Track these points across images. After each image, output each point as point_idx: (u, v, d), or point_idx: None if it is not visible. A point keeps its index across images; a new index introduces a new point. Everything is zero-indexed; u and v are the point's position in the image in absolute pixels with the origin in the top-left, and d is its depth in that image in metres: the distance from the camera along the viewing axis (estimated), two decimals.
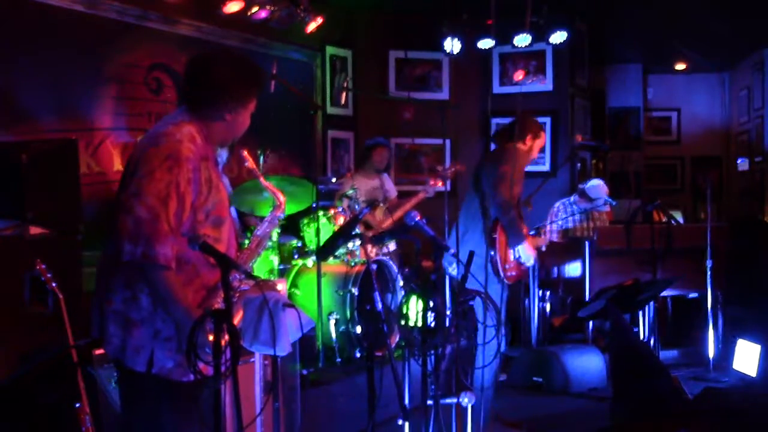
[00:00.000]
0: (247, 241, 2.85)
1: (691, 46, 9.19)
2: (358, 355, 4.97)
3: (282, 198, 2.95)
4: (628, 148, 10.35)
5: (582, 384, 5.65)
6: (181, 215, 2.32)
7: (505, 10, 6.55)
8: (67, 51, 5.00)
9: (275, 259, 5.03)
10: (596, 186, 6.64)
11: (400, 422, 3.29)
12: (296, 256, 5.36)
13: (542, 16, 7.08)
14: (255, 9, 5.92)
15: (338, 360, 4.89)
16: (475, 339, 4.25)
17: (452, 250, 3.37)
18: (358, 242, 5.11)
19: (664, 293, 5.83)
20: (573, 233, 6.71)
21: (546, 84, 8.12)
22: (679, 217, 8.24)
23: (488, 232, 4.55)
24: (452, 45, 7.22)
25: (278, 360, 3.52)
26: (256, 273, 4.42)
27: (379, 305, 3.50)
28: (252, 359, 3.56)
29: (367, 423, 3.23)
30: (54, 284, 3.39)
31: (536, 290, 6.38)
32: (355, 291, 4.91)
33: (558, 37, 7.17)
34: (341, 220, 5.28)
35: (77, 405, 3.34)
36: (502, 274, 4.51)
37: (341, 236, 3.85)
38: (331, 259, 5.22)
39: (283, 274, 5.13)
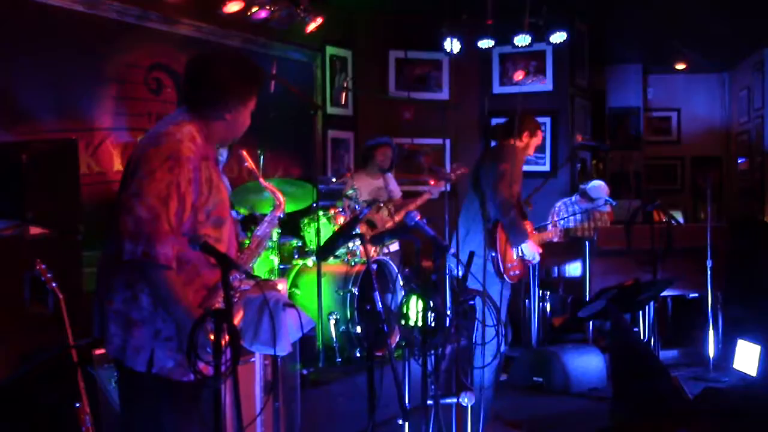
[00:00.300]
0: (247, 242, 2.85)
1: (691, 46, 9.19)
2: (358, 355, 4.97)
3: (282, 198, 2.95)
4: (628, 148, 10.35)
5: (582, 384, 5.65)
6: (181, 215, 2.32)
7: (505, 10, 6.57)
8: (67, 51, 5.00)
9: (275, 259, 5.03)
10: (597, 186, 6.64)
11: (400, 422, 3.28)
12: (296, 256, 5.36)
13: (542, 17, 7.08)
14: (255, 9, 5.92)
15: (338, 360, 4.89)
16: (475, 339, 4.25)
17: (452, 250, 3.36)
18: (358, 242, 5.11)
19: (664, 293, 5.83)
20: (574, 233, 6.71)
21: (546, 84, 8.12)
22: (679, 217, 8.23)
23: (489, 232, 4.55)
24: (452, 45, 7.22)
25: (278, 360, 3.52)
26: (256, 273, 4.42)
27: (379, 305, 3.50)
28: (252, 359, 3.56)
29: (367, 423, 3.23)
30: (54, 284, 3.39)
31: (536, 290, 6.38)
32: (355, 291, 4.91)
33: (558, 37, 7.17)
34: (341, 220, 5.28)
35: (77, 405, 3.34)
36: (504, 275, 4.51)
37: (341, 236, 3.85)
38: (331, 258, 5.22)
39: (283, 273, 5.13)
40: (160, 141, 2.37)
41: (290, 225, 5.51)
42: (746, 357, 5.62)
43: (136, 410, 2.43)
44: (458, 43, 7.20)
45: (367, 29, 7.78)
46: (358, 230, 4.65)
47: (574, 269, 6.46)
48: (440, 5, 7.00)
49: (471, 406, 3.48)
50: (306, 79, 7.11)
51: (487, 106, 8.27)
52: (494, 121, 8.20)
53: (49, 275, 3.39)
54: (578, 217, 6.73)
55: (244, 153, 3.03)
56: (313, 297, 4.82)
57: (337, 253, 5.23)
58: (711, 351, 5.93)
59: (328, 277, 4.99)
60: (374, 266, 5.20)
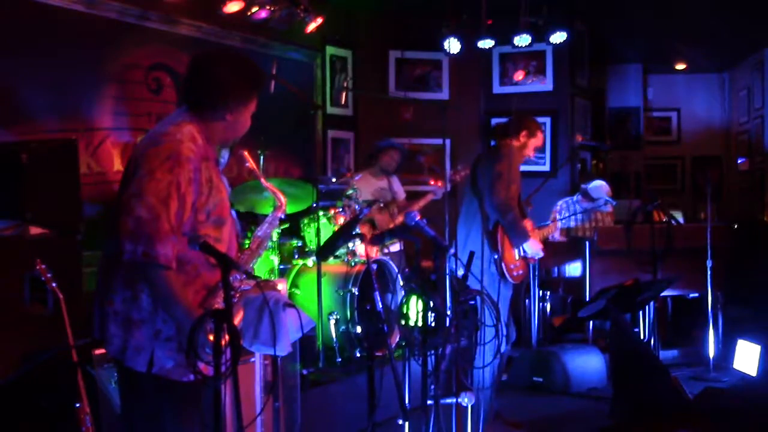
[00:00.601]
0: (247, 242, 2.85)
1: (691, 46, 9.19)
2: (358, 355, 4.97)
3: (283, 199, 2.95)
4: (628, 148, 10.35)
5: (582, 384, 5.66)
6: (181, 215, 2.32)
7: (505, 10, 6.57)
8: (67, 51, 5.00)
9: (275, 259, 5.03)
10: (598, 186, 6.65)
11: (400, 422, 3.29)
12: (296, 256, 5.36)
13: (542, 17, 7.08)
14: (255, 9, 5.92)
15: (338, 360, 4.89)
16: (476, 339, 4.25)
17: (452, 251, 3.37)
18: (358, 242, 5.11)
19: (664, 293, 5.83)
20: (575, 233, 6.72)
21: (546, 84, 8.12)
22: (679, 217, 8.23)
23: (489, 233, 4.54)
24: (452, 45, 7.22)
25: (278, 360, 3.53)
26: (256, 273, 4.42)
27: (379, 305, 3.50)
28: (252, 359, 3.56)
29: (367, 423, 3.24)
30: (54, 284, 3.39)
31: (536, 290, 6.38)
32: (355, 291, 4.91)
33: (558, 37, 7.17)
34: (341, 220, 5.28)
35: (77, 405, 3.34)
36: (507, 275, 4.51)
37: (341, 236, 3.85)
38: (331, 258, 5.22)
39: (283, 273, 5.13)
40: (160, 141, 2.37)
41: (290, 225, 5.52)
42: (746, 357, 5.62)
43: (136, 410, 2.43)
44: (458, 43, 7.20)
45: (367, 29, 7.78)
46: (358, 230, 4.66)
47: (574, 269, 6.46)
48: (440, 5, 7.00)
49: (471, 406, 3.48)
50: (306, 79, 7.11)
51: (488, 106, 8.27)
52: (494, 121, 8.21)
53: (49, 275, 3.39)
54: (579, 216, 6.73)
55: (246, 153, 3.03)
56: (313, 297, 4.82)
57: (337, 253, 5.23)
58: (711, 351, 5.93)
59: (328, 277, 4.99)
60: (374, 266, 5.20)
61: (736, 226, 6.87)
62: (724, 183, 10.63)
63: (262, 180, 3.06)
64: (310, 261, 5.25)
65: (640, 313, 5.91)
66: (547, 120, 8.09)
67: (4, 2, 4.68)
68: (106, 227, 2.44)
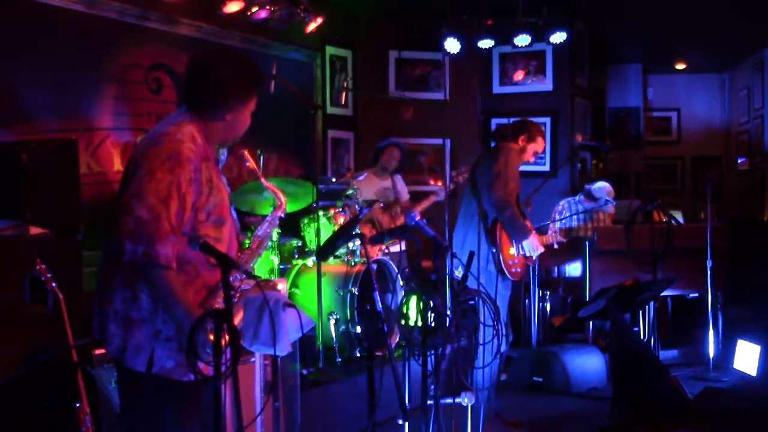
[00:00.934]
0: (248, 242, 2.85)
1: (691, 46, 9.19)
2: (358, 355, 4.97)
3: (283, 198, 2.95)
4: (628, 148, 10.35)
5: (582, 384, 5.66)
6: (182, 215, 2.32)
7: (505, 10, 6.57)
8: (67, 51, 5.00)
9: (275, 259, 5.03)
10: (601, 187, 6.65)
11: (400, 422, 3.29)
12: (296, 256, 5.36)
13: (542, 17, 7.08)
14: (255, 9, 5.92)
15: (338, 360, 4.89)
16: (476, 339, 4.25)
17: (452, 250, 3.37)
18: (358, 242, 5.11)
19: (664, 293, 5.83)
20: (576, 233, 6.72)
21: (546, 84, 8.12)
22: (679, 217, 8.23)
23: (488, 231, 4.55)
24: (452, 45, 7.22)
25: (278, 360, 3.52)
26: (256, 273, 4.42)
27: (379, 305, 3.50)
28: (252, 359, 3.56)
29: (367, 423, 3.23)
30: (54, 284, 3.39)
31: (536, 290, 6.38)
32: (355, 291, 4.91)
33: (558, 37, 7.16)
34: (341, 220, 5.28)
35: (77, 405, 3.34)
36: (506, 271, 4.51)
37: (341, 236, 3.85)
38: (331, 259, 5.22)
39: (283, 273, 5.13)
40: (160, 141, 2.37)
41: (290, 225, 5.52)
42: (746, 357, 5.62)
43: (136, 410, 2.43)
44: (458, 43, 7.20)
45: (367, 29, 7.78)
46: (358, 230, 4.66)
47: (574, 269, 6.46)
48: (440, 5, 7.00)
49: (471, 406, 3.48)
50: (306, 79, 7.11)
51: (488, 106, 8.27)
52: (494, 121, 8.21)
53: (49, 275, 3.39)
54: (581, 216, 6.73)
55: (246, 153, 3.03)
56: (313, 297, 4.82)
57: (337, 253, 5.23)
58: (711, 351, 5.93)
59: (328, 277, 4.99)
60: (374, 266, 5.20)
61: (735, 226, 6.88)
62: (724, 183, 10.63)
63: (262, 180, 3.06)
64: (310, 261, 5.25)
65: (640, 313, 5.91)
66: (547, 120, 8.09)
67: (4, 2, 4.68)
68: (106, 227, 2.44)
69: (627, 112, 10.39)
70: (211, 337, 2.19)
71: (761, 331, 5.71)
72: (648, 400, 4.19)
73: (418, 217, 3.34)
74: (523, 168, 4.89)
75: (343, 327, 4.94)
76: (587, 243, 6.10)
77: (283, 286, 4.57)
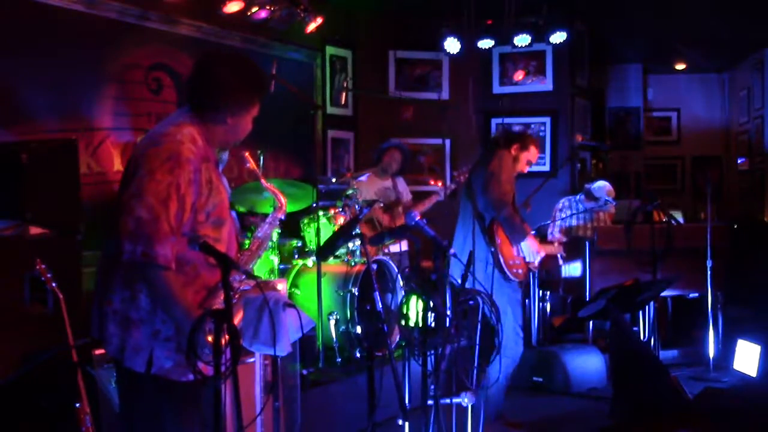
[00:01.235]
0: (248, 242, 2.85)
1: (691, 46, 9.19)
2: (358, 355, 4.97)
3: (283, 200, 2.95)
4: (628, 148, 10.35)
5: (582, 384, 5.66)
6: (181, 216, 2.32)
7: (505, 10, 6.57)
8: (67, 51, 5.00)
9: (275, 259, 5.03)
10: (601, 187, 6.65)
11: (400, 422, 3.29)
12: (296, 256, 5.36)
13: (542, 17, 7.08)
14: (255, 9, 5.92)
15: (338, 360, 4.89)
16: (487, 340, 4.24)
17: (452, 251, 3.37)
18: (358, 242, 5.11)
19: (664, 293, 5.83)
20: (576, 232, 6.72)
21: (546, 84, 8.12)
22: (679, 217, 8.24)
23: (486, 231, 4.55)
24: (452, 45, 7.23)
25: (278, 360, 3.52)
26: (256, 273, 4.42)
27: (379, 305, 3.50)
28: (252, 359, 3.56)
29: (367, 423, 3.23)
30: (54, 284, 3.39)
31: (536, 290, 6.38)
32: (355, 291, 4.91)
33: (558, 37, 7.17)
34: (341, 220, 5.28)
35: (77, 405, 3.34)
36: (507, 272, 4.51)
37: (341, 236, 3.85)
38: (331, 258, 5.22)
39: (283, 274, 5.13)
40: (160, 141, 2.37)
41: (290, 225, 5.51)
42: (746, 357, 5.62)
43: (136, 410, 2.43)
44: (458, 43, 7.20)
45: (367, 29, 7.78)
46: (358, 230, 4.66)
47: (574, 269, 6.45)
48: (440, 5, 7.01)
49: (471, 406, 3.48)
50: (306, 79, 7.11)
51: (488, 106, 8.27)
52: (494, 121, 8.21)
53: (49, 275, 3.39)
54: (581, 216, 6.73)
55: (247, 154, 3.03)
56: (313, 297, 4.82)
57: (337, 253, 5.23)
58: (711, 351, 5.93)
59: (328, 277, 4.99)
60: (374, 266, 5.20)
61: (736, 226, 6.88)
62: (724, 183, 10.63)
63: (263, 181, 3.06)
64: (310, 261, 5.25)
65: (640, 313, 5.91)
66: (547, 120, 8.09)
67: (4, 2, 4.68)
68: (106, 227, 2.44)
69: (627, 112, 10.39)
70: (210, 338, 2.19)
71: (761, 331, 5.71)
72: (648, 400, 4.19)
73: (418, 217, 3.35)
74: (514, 175, 4.88)
75: (343, 327, 4.93)
76: (587, 243, 6.10)
77: (283, 286, 4.57)
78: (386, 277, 5.31)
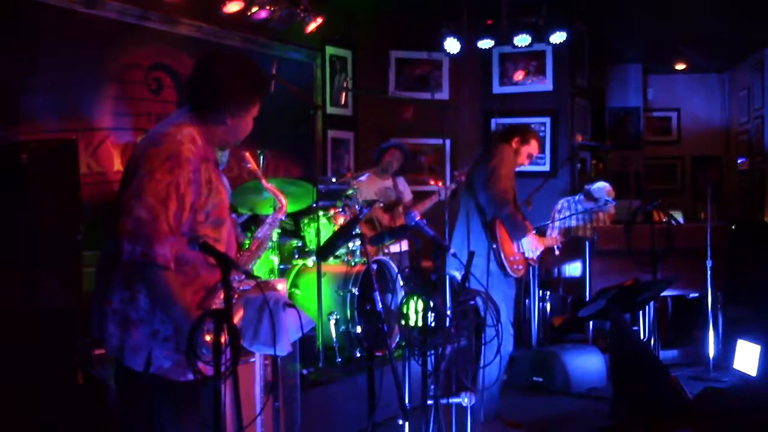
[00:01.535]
0: (248, 242, 2.85)
1: (691, 46, 9.19)
2: (358, 355, 4.97)
3: (284, 200, 2.95)
4: (628, 148, 10.35)
5: (582, 384, 5.66)
6: (180, 216, 2.32)
7: (504, 10, 6.56)
8: (67, 51, 4.99)
9: (275, 259, 5.03)
10: (601, 187, 6.66)
11: (400, 422, 3.29)
12: (296, 256, 5.36)
13: (542, 17, 7.07)
14: (255, 9, 5.92)
15: (338, 360, 4.89)
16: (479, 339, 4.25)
17: (452, 251, 3.37)
18: (358, 242, 5.11)
19: (664, 293, 5.83)
20: (576, 232, 6.72)
21: (546, 84, 8.12)
22: (679, 217, 8.24)
23: (488, 226, 4.55)
24: (452, 45, 7.22)
25: (278, 360, 3.52)
26: (256, 273, 4.42)
27: (379, 305, 3.50)
28: (252, 359, 3.56)
29: (367, 423, 3.23)
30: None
31: (536, 290, 6.38)
32: (355, 291, 4.91)
33: (558, 37, 7.17)
34: (341, 220, 5.28)
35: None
36: (507, 268, 4.52)
37: (341, 236, 3.85)
38: (331, 259, 5.22)
39: (283, 274, 5.13)
40: (160, 141, 2.37)
41: (290, 225, 5.51)
42: (746, 357, 5.62)
43: (135, 410, 2.43)
44: (458, 43, 7.20)
45: (367, 29, 7.78)
46: (358, 230, 4.66)
47: (574, 269, 6.46)
48: (440, 5, 7.00)
49: (471, 406, 3.48)
50: (306, 79, 7.11)
51: (488, 106, 8.27)
52: (494, 121, 8.21)
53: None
54: (580, 216, 6.73)
55: (247, 155, 3.03)
56: (313, 297, 4.82)
57: (337, 253, 5.23)
58: (711, 351, 5.93)
59: (328, 277, 4.99)
60: (374, 266, 5.20)
61: (735, 226, 6.87)
62: (724, 183, 10.63)
63: (263, 181, 3.06)
64: (310, 261, 5.25)
65: (640, 313, 5.91)
66: (547, 120, 8.09)
67: (4, 2, 4.68)
68: (106, 227, 2.44)
69: (627, 112, 10.39)
70: (208, 338, 2.19)
71: (761, 331, 5.71)
72: (648, 400, 4.19)
73: (418, 217, 3.35)
74: (523, 168, 4.89)
75: (343, 327, 4.93)
76: (587, 243, 6.10)
77: (283, 286, 4.57)
78: (386, 277, 5.31)
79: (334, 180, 6.23)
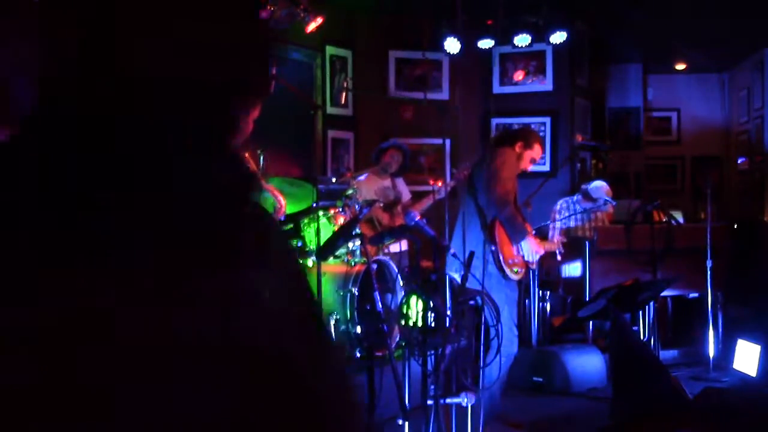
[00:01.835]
0: None
1: (691, 46, 9.19)
2: (358, 355, 4.97)
3: (282, 201, 2.95)
4: (628, 148, 10.35)
5: (582, 384, 5.65)
6: None
7: (505, 10, 6.56)
8: None
9: None
10: (599, 187, 6.65)
11: (400, 422, 3.29)
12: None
13: (542, 17, 7.08)
14: None
15: None
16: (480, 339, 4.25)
17: (452, 250, 3.37)
18: (358, 242, 5.11)
19: (664, 293, 5.83)
20: (575, 233, 6.72)
21: (546, 84, 8.12)
22: (679, 217, 8.24)
23: (487, 227, 4.56)
24: (452, 45, 7.23)
25: None
26: None
27: (379, 305, 3.50)
28: None
29: (367, 423, 3.24)
30: None
31: (536, 290, 6.38)
32: (355, 291, 4.91)
33: (558, 37, 7.18)
34: (341, 220, 5.28)
35: None
36: (506, 270, 4.52)
37: (341, 236, 3.86)
38: (331, 258, 5.22)
39: None
40: None
41: (290, 225, 5.51)
42: (746, 357, 5.62)
43: None
44: (458, 43, 7.20)
45: (367, 29, 7.78)
46: (358, 230, 4.66)
47: (574, 269, 6.46)
48: (440, 5, 7.00)
49: (471, 406, 3.49)
50: (306, 79, 7.11)
51: (488, 106, 8.27)
52: (494, 121, 8.21)
53: None
54: (579, 216, 6.73)
55: (247, 155, 3.03)
56: None
57: (337, 253, 5.23)
58: (711, 351, 5.93)
59: (328, 277, 4.99)
60: (374, 266, 5.20)
61: (735, 226, 6.88)
62: (724, 183, 10.63)
63: (263, 182, 3.06)
64: (310, 261, 5.25)
65: (640, 313, 5.91)
66: (547, 120, 8.09)
67: (5, 2, 4.68)
68: None
69: (627, 112, 10.39)
70: None
71: (761, 331, 5.70)
72: (648, 400, 4.19)
73: (417, 217, 3.35)
74: (516, 174, 4.89)
75: (343, 327, 4.93)
76: (587, 243, 6.10)
77: None
78: (386, 277, 5.31)
79: (334, 180, 6.23)
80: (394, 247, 6.13)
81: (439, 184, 6.42)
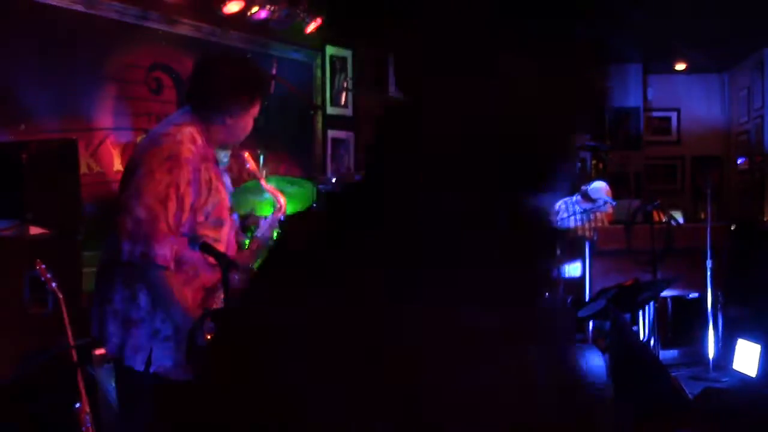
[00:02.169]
0: (247, 242, 2.85)
1: (691, 46, 9.19)
2: None
3: (283, 200, 2.95)
4: (628, 148, 10.34)
5: None
6: (180, 216, 2.32)
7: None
8: (67, 51, 4.99)
9: None
10: (598, 188, 6.64)
11: None
12: None
13: None
14: (255, 9, 5.92)
15: None
16: None
17: None
18: None
19: (664, 293, 5.83)
20: (574, 233, 6.71)
21: None
22: (679, 217, 8.24)
23: None
24: None
25: None
26: None
27: None
28: None
29: None
30: (54, 284, 3.39)
31: None
32: None
33: None
34: None
35: (77, 405, 3.34)
36: None
37: None
38: None
39: None
40: (160, 142, 2.37)
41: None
42: (746, 357, 5.62)
43: (135, 409, 2.44)
44: None
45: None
46: None
47: (574, 269, 6.45)
48: None
49: None
50: (306, 79, 7.11)
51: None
52: None
53: (48, 275, 3.39)
54: (578, 217, 6.73)
55: (247, 155, 3.03)
56: None
57: None
58: (711, 351, 5.92)
59: None
60: None
61: (735, 226, 6.87)
62: (724, 183, 10.62)
63: (263, 182, 3.06)
64: None
65: (640, 313, 5.90)
66: None
67: (4, 2, 4.68)
68: (106, 227, 2.44)
69: (627, 112, 10.39)
70: (209, 338, 2.19)
71: (761, 331, 5.70)
72: (648, 400, 4.18)
73: None
74: None
75: None
76: (587, 243, 6.09)
77: None
78: None
79: (334, 180, 6.23)
80: None
81: None
